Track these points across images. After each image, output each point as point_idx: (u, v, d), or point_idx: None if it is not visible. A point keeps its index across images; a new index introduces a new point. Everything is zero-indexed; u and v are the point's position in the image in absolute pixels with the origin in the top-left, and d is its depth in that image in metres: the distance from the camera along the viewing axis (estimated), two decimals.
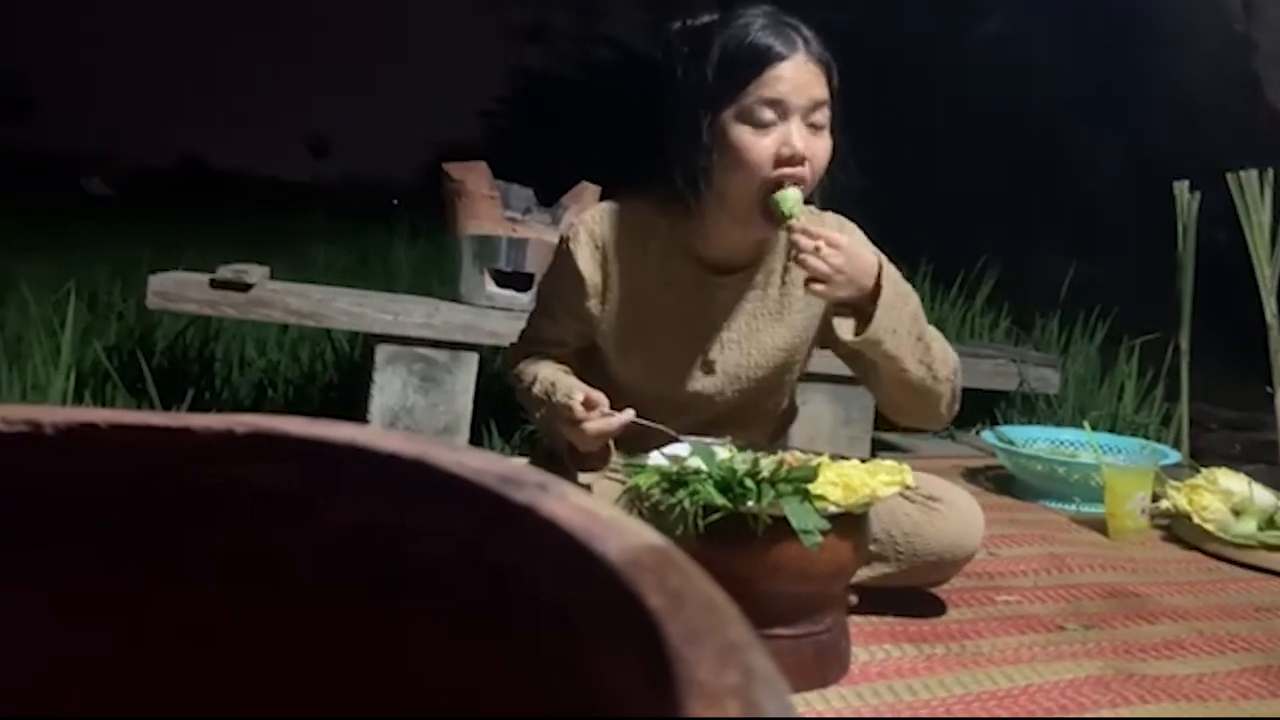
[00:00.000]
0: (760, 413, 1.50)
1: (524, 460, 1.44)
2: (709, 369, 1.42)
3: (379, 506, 0.32)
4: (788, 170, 1.26)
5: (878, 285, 1.27)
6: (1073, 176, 5.27)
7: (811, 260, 1.24)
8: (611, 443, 1.32)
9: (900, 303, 1.30)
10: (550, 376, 1.38)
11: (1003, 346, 3.49)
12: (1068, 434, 2.40)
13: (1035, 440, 2.35)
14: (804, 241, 1.24)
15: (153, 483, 0.35)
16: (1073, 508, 2.08)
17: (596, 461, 1.33)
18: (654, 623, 0.20)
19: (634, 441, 1.32)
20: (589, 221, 1.41)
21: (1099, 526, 1.91)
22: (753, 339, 1.42)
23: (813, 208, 1.44)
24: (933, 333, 1.36)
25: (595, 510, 0.26)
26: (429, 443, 0.32)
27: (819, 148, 1.28)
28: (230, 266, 2.32)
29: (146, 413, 0.35)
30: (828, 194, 1.37)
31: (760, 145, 1.26)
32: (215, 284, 2.25)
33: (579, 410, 1.25)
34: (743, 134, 1.26)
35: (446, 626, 0.29)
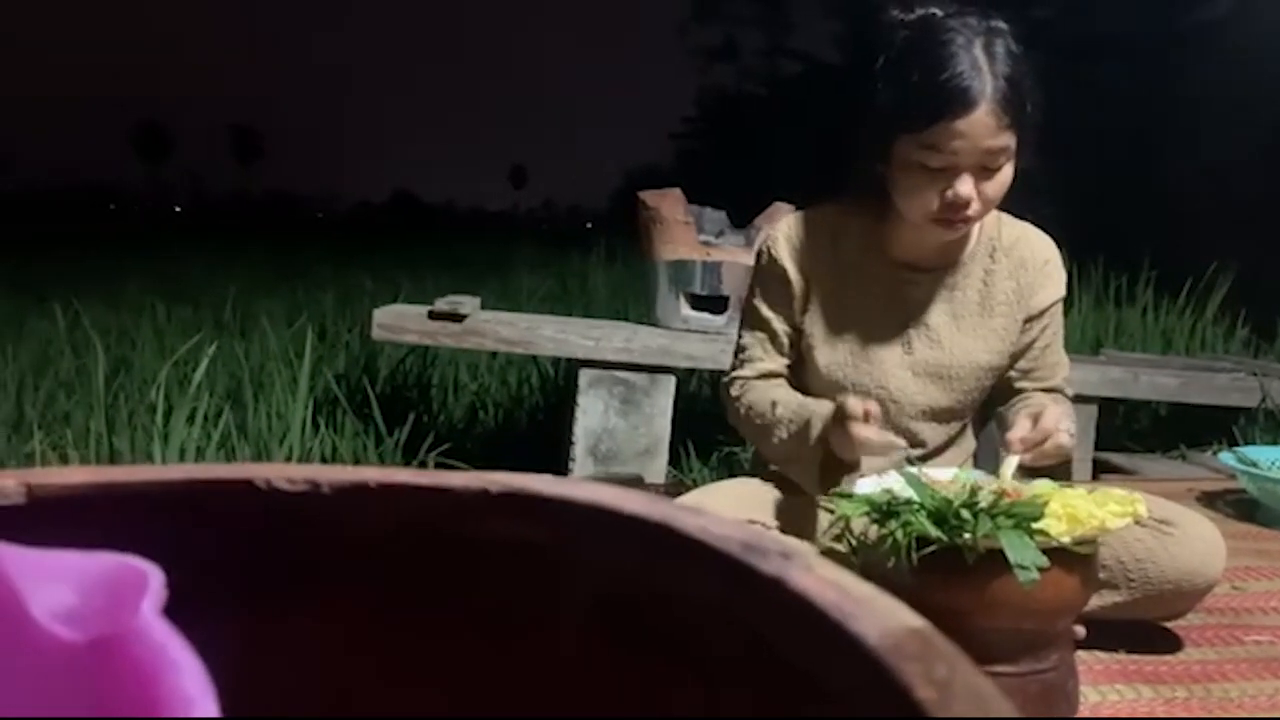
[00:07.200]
0: (957, 417, 1.46)
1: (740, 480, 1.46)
2: (909, 366, 1.41)
3: (625, 566, 0.33)
4: (951, 216, 1.28)
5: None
6: None
7: (1055, 446, 1.22)
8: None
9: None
10: (790, 398, 1.39)
11: (1241, 359, 3.21)
12: None
13: None
14: (1029, 456, 1.22)
15: (416, 537, 0.37)
16: None
17: (840, 477, 1.31)
18: (922, 715, 0.20)
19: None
20: (784, 228, 1.46)
21: None
22: (953, 338, 1.41)
23: (1008, 216, 1.41)
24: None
25: (845, 585, 0.26)
26: (672, 506, 0.33)
27: (990, 188, 1.28)
28: (445, 299, 2.46)
29: (411, 470, 0.38)
30: (1016, 205, 1.39)
31: (927, 188, 1.28)
32: (433, 315, 2.39)
33: (857, 410, 1.24)
34: (913, 171, 1.28)
35: (703, 687, 0.30)
